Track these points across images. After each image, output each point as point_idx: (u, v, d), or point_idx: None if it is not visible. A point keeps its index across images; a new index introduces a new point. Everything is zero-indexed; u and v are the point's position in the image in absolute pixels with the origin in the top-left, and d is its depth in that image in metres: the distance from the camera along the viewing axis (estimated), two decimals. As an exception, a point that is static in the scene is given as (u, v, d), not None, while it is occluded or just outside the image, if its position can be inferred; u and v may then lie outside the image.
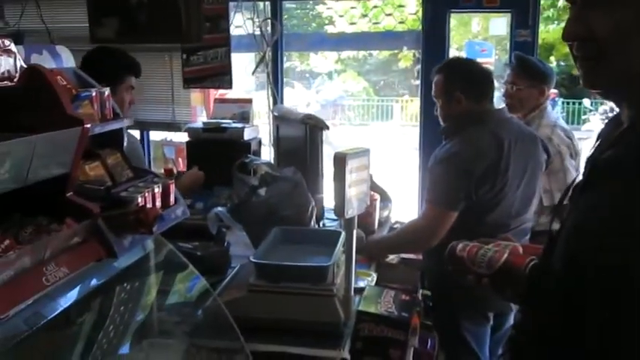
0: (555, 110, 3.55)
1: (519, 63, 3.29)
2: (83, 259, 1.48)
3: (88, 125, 1.58)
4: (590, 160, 1.12)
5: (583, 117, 12.87)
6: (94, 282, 1.79)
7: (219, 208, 2.81)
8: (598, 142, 1.15)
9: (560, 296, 1.00)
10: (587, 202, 1.00)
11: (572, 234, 1.02)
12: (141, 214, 1.59)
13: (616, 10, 0.97)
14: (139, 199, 1.72)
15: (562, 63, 14.02)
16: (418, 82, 13.37)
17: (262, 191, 2.56)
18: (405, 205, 4.50)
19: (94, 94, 1.87)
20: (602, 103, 11.64)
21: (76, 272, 1.44)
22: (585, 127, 11.48)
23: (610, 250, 0.90)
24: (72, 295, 1.65)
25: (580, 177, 1.15)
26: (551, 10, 12.41)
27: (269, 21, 4.19)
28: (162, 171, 3.95)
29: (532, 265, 1.24)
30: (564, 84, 13.38)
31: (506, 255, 1.30)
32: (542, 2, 4.10)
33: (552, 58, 13.42)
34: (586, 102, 12.44)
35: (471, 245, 1.36)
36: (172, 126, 4.31)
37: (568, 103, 13.62)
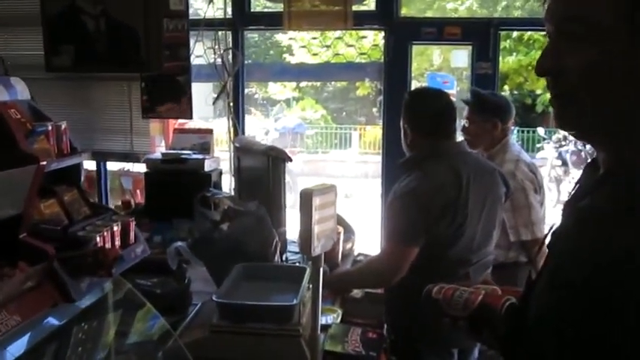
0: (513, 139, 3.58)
1: (474, 98, 3.30)
2: (37, 305, 1.41)
3: (44, 162, 1.51)
4: (567, 207, 1.09)
5: (537, 145, 13.09)
6: (49, 326, 1.70)
7: (179, 243, 2.73)
8: (576, 187, 1.13)
9: (536, 345, 0.98)
10: (562, 252, 0.97)
11: (546, 284, 0.99)
12: (100, 256, 1.53)
13: (586, 45, 0.94)
14: (98, 239, 1.65)
15: (515, 92, 14.32)
16: (375, 109, 13.45)
17: (224, 226, 2.50)
18: (368, 236, 4.48)
19: (50, 128, 1.80)
20: (555, 132, 11.87)
21: (30, 320, 1.36)
22: (540, 155, 11.65)
23: (580, 304, 0.88)
24: (24, 342, 1.56)
25: (557, 223, 1.12)
26: (508, 41, 12.67)
27: (230, 51, 4.15)
28: (120, 203, 3.87)
29: (509, 305, 1.20)
30: (518, 112, 13.62)
31: (481, 296, 1.27)
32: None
33: (506, 87, 13.70)
34: (540, 130, 12.66)
35: (447, 287, 1.33)
36: (130, 157, 4.21)
37: (522, 132, 13.86)
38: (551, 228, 1.13)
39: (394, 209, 2.64)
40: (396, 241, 2.59)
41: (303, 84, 15.43)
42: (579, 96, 0.97)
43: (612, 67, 0.94)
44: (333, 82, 15.43)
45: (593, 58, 0.94)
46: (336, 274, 2.82)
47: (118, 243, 1.76)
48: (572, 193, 1.12)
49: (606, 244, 0.88)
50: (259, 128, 12.92)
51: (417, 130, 2.68)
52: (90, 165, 4.25)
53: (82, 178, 1.99)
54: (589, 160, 1.14)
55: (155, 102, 4.08)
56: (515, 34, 12.20)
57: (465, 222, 2.57)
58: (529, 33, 11.92)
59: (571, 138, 10.97)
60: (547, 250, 1.08)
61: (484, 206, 2.65)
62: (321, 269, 2.00)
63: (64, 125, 1.85)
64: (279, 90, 15.65)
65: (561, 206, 1.14)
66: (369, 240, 4.40)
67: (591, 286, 0.87)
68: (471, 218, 2.59)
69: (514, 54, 13.26)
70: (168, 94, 4.04)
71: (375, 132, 13.41)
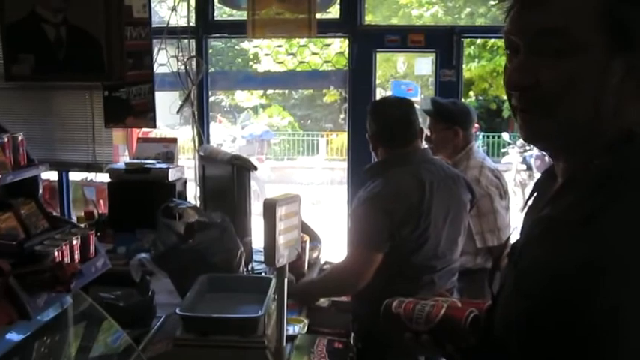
0: (477, 145, 3.56)
1: (433, 108, 3.31)
2: (-8, 323, 1.36)
3: (-1, 176, 1.47)
4: (528, 218, 1.09)
5: (502, 150, 13.24)
6: (7, 342, 1.66)
7: (143, 255, 2.70)
8: (534, 195, 1.13)
9: (503, 354, 0.98)
10: (524, 264, 0.97)
11: (510, 294, 0.99)
12: (57, 271, 1.49)
13: (563, 59, 0.94)
14: (56, 253, 1.61)
15: (480, 97, 14.49)
16: (342, 116, 13.51)
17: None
18: (334, 243, 4.46)
19: (5, 140, 1.76)
20: (519, 137, 12.02)
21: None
22: (504, 160, 11.81)
23: (542, 315, 0.88)
24: (-20, 361, 1.52)
25: (517, 232, 1.13)
26: (472, 47, 12.81)
27: (194, 59, 4.12)
28: (83, 213, 3.80)
29: (473, 317, 1.20)
30: (483, 118, 13.78)
31: (444, 309, 1.25)
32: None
33: (471, 93, 13.84)
34: (505, 136, 12.82)
35: (407, 301, 1.31)
36: (93, 167, 4.14)
37: (487, 137, 14.02)
38: (508, 238, 1.14)
39: (358, 215, 2.65)
40: (360, 247, 2.59)
41: (270, 91, 15.40)
42: (551, 108, 0.97)
43: (588, 80, 0.94)
44: (299, 90, 15.42)
45: (571, 71, 0.94)
46: (301, 284, 2.81)
47: (77, 257, 1.72)
48: (531, 203, 1.13)
49: (560, 255, 0.89)
50: (226, 135, 12.87)
51: (379, 138, 2.69)
52: (52, 175, 4.17)
53: (41, 190, 1.95)
54: (543, 170, 1.15)
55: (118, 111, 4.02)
56: (479, 40, 12.34)
57: (428, 228, 2.58)
58: (493, 40, 12.09)
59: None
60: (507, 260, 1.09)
61: (448, 213, 2.67)
62: (286, 279, 1.99)
63: (20, 137, 1.82)
64: (246, 97, 15.61)
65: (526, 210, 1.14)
66: (335, 248, 4.39)
67: (548, 297, 0.88)
68: (435, 224, 2.60)
69: (476, 60, 13.41)
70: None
71: (341, 139, 13.43)
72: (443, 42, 4.02)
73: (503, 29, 1.01)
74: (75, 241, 1.72)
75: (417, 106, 2.93)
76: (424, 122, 3.09)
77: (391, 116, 2.72)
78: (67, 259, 1.64)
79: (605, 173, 0.93)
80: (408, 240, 2.56)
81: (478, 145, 3.53)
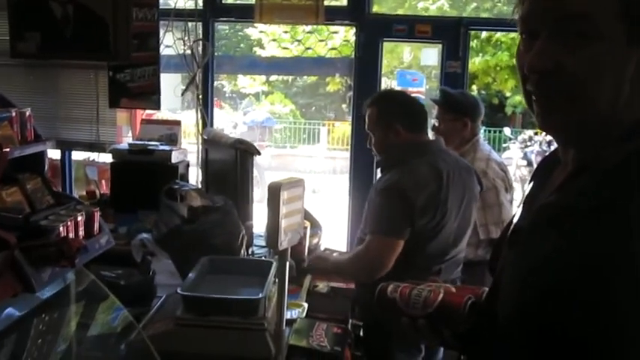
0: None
1: (443, 98, 3.32)
2: (-3, 294, 1.37)
3: (7, 149, 1.48)
4: (527, 203, 1.09)
5: (503, 145, 13.23)
6: (8, 316, 1.67)
7: (145, 235, 2.71)
8: (533, 182, 1.13)
9: (506, 343, 0.97)
10: (532, 253, 0.94)
11: (516, 283, 0.97)
12: (63, 246, 1.50)
13: (585, 44, 0.93)
14: (61, 229, 1.62)
15: (482, 92, 14.44)
16: (344, 105, 13.43)
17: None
18: (335, 231, 4.48)
19: (13, 114, 1.76)
20: (521, 132, 12.02)
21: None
22: (505, 155, 11.79)
23: (551, 306, 0.87)
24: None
25: (517, 217, 1.12)
26: (475, 41, 12.76)
27: (200, 42, 4.11)
28: (85, 193, 3.81)
29: (471, 304, 1.20)
30: (485, 112, 13.72)
31: (442, 294, 1.25)
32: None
33: (474, 87, 13.80)
34: (506, 130, 12.82)
35: (402, 286, 1.29)
36: (96, 146, 4.15)
37: (489, 131, 13.99)
38: (509, 223, 1.13)
39: (377, 204, 2.63)
40: (381, 235, 2.59)
41: (272, 78, 15.37)
42: (575, 94, 0.95)
43: (609, 67, 0.93)
44: (302, 77, 15.39)
45: (593, 57, 0.93)
46: (323, 254, 2.94)
47: (81, 233, 1.73)
48: (530, 190, 1.13)
49: (572, 246, 0.87)
50: (228, 121, 12.85)
51: (396, 127, 2.68)
52: (54, 154, 4.17)
53: (46, 167, 1.95)
54: (543, 157, 1.14)
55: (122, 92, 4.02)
56: (483, 35, 12.30)
57: (444, 218, 2.60)
58: (497, 35, 12.06)
59: (536, 139, 11.15)
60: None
61: (461, 203, 2.68)
62: (287, 263, 2.00)
63: (28, 112, 1.82)
64: (249, 83, 15.57)
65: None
66: (335, 235, 4.40)
67: (558, 289, 0.87)
68: (450, 214, 2.62)
69: (480, 54, 13.37)
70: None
71: (343, 128, 13.42)
72: (450, 33, 4.03)
73: (521, 12, 1.00)
74: (79, 218, 1.73)
75: (421, 97, 2.95)
76: (431, 113, 3.10)
77: (413, 101, 2.79)
78: (71, 235, 1.65)
79: (620, 163, 0.93)
80: (425, 229, 2.58)
81: (484, 138, 3.53)
